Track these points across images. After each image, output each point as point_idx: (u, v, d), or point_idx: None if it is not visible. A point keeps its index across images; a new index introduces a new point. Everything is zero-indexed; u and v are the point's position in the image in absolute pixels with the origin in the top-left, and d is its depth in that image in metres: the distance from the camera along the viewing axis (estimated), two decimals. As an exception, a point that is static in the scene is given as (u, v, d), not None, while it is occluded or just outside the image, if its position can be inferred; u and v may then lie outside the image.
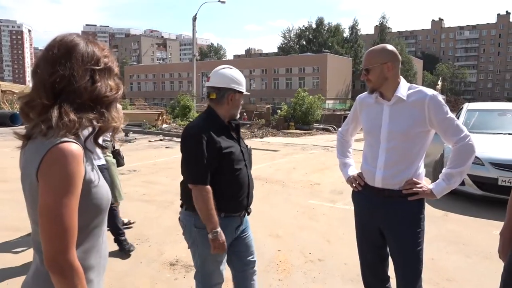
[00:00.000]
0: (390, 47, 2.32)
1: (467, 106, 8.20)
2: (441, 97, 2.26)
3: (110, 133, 1.38)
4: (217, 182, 2.26)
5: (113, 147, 5.02)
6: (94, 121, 1.27)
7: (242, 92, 2.43)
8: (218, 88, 2.37)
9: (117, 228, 4.34)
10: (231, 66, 2.45)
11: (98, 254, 1.35)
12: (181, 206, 2.45)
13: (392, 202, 2.31)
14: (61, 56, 1.25)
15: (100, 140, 1.34)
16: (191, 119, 23.24)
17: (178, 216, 2.49)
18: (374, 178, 2.35)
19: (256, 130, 20.33)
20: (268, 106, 29.33)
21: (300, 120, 22.13)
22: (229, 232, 2.39)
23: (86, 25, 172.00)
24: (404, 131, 2.24)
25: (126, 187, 7.10)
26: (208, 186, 2.22)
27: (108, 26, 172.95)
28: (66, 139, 1.20)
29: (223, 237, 2.26)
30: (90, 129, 1.28)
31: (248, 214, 2.54)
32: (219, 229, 2.24)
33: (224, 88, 2.36)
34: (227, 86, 2.37)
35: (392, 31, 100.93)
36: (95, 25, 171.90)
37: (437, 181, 2.32)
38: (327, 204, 6.43)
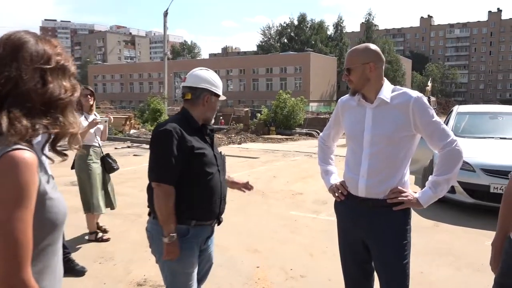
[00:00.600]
0: (373, 46, 2.38)
1: (457, 108, 8.40)
2: (426, 100, 2.32)
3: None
4: (187, 186, 2.31)
5: (102, 152, 5.04)
6: (49, 127, 1.24)
7: (219, 96, 2.50)
8: (194, 88, 2.43)
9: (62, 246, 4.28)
10: (208, 69, 2.54)
11: (53, 276, 1.32)
12: (149, 214, 2.45)
13: (376, 212, 2.34)
14: (6, 56, 1.23)
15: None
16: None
17: (146, 226, 2.47)
18: (357, 187, 2.38)
19: (233, 135, 20.34)
20: (247, 109, 29.39)
21: (281, 125, 22.25)
22: (199, 242, 2.42)
23: (45, 20, 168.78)
24: (388, 135, 2.28)
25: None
26: (173, 187, 2.27)
27: (69, 21, 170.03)
28: (18, 146, 1.17)
29: (177, 243, 2.30)
30: (46, 136, 1.26)
31: (219, 224, 2.56)
32: (176, 234, 2.29)
33: (200, 88, 2.43)
34: (203, 86, 2.43)
35: (379, 28, 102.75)
36: (55, 20, 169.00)
37: (423, 190, 2.37)
38: (310, 215, 6.47)
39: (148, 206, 2.45)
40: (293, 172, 10.53)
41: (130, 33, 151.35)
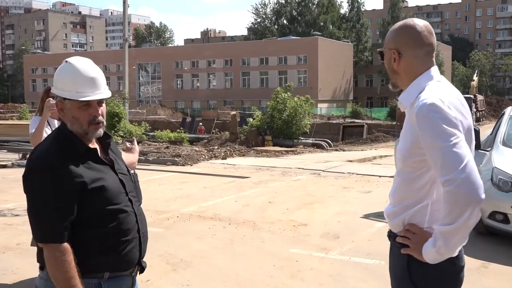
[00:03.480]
0: (412, 22, 2.28)
1: (511, 111, 8.42)
2: (440, 108, 2.06)
3: None
4: (89, 228, 2.25)
5: None
6: None
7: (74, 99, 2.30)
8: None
9: None
10: (68, 60, 2.34)
11: None
12: (41, 268, 2.37)
13: (392, 250, 2.39)
14: None
15: None
16: (123, 132, 22.98)
17: (35, 283, 2.42)
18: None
19: (216, 147, 20.30)
20: (235, 112, 29.46)
21: (280, 133, 22.30)
22: None
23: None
24: (401, 154, 2.27)
25: (15, 236, 6.92)
26: (65, 245, 2.19)
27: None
28: None
29: None
30: None
31: (142, 271, 2.51)
32: None
33: (56, 93, 2.35)
34: (54, 90, 2.35)
35: (409, 5, 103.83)
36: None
37: (431, 238, 2.16)
38: (316, 254, 6.44)
39: (38, 260, 2.38)
40: (295, 196, 10.52)
41: (80, 13, 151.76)
